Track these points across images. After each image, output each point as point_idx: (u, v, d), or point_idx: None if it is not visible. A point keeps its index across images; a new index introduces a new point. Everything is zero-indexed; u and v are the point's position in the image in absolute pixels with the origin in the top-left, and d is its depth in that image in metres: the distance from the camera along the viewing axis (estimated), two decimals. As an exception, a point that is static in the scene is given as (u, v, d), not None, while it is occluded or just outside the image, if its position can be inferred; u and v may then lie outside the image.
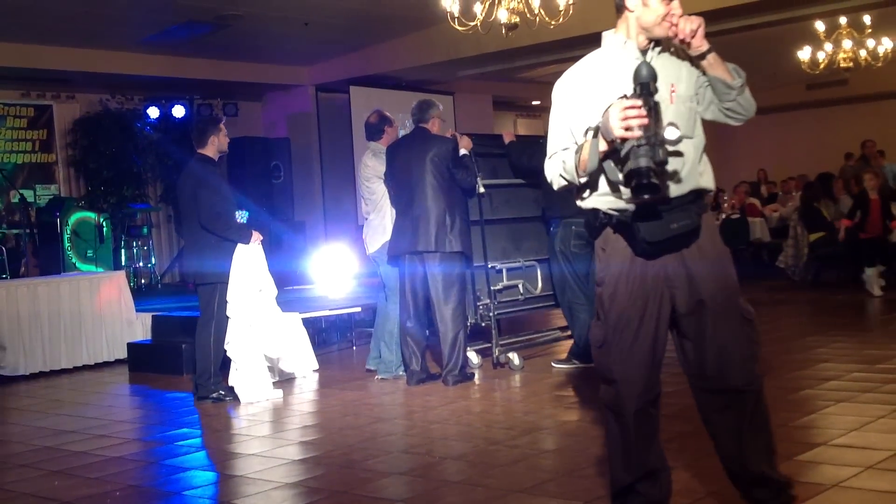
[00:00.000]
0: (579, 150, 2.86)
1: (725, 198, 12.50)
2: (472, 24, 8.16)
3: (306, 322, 7.58)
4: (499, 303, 6.86)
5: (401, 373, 6.61)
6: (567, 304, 6.61)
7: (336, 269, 10.11)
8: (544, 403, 5.60)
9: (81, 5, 9.76)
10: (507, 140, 6.99)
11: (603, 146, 2.76)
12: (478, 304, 6.73)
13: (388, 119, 6.90)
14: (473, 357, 6.83)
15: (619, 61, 2.97)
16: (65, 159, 12.75)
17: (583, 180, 2.89)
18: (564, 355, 6.78)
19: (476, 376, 6.56)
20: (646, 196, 2.67)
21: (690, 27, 2.82)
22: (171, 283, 13.04)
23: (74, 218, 10.76)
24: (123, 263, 12.11)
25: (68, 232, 10.59)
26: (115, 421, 6.03)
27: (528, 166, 6.60)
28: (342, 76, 13.38)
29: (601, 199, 2.94)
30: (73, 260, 10.53)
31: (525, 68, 13.58)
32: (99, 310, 8.43)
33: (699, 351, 2.99)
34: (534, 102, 17.69)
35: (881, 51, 11.96)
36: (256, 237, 6.21)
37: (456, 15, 8.15)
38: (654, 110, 2.69)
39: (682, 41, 2.86)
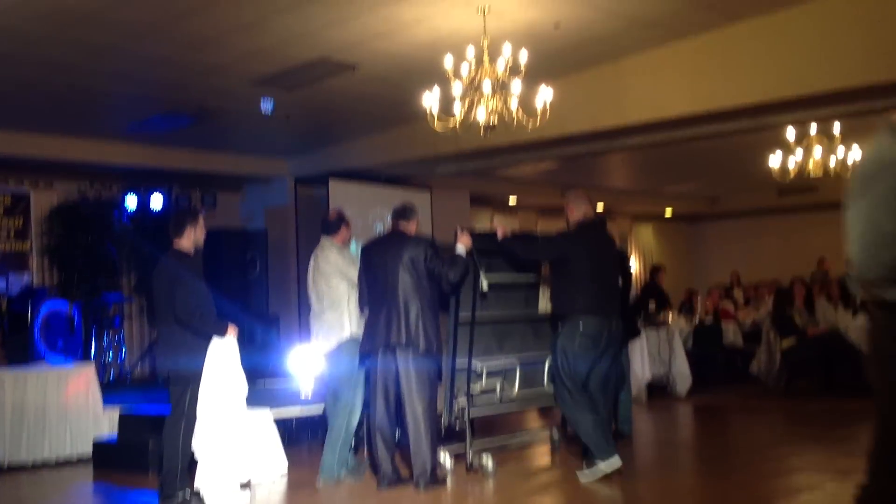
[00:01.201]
0: None
1: (699, 302, 12.56)
2: (452, 123, 8.27)
3: (277, 420, 7.45)
4: (475, 404, 6.78)
5: (342, 476, 6.50)
6: (566, 406, 6.44)
7: (309, 365, 9.98)
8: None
9: (64, 95, 9.83)
10: (501, 235, 6.85)
11: None
12: (453, 403, 6.65)
13: (347, 220, 7.07)
14: (446, 460, 6.72)
15: None
16: (39, 248, 12.65)
17: None
18: (546, 458, 6.69)
19: (448, 480, 6.44)
20: None
21: None
22: (140, 378, 12.84)
23: (46, 308, 10.63)
24: (93, 355, 11.92)
25: (39, 322, 10.45)
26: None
27: (533, 259, 6.73)
28: (321, 169, 13.48)
29: None
30: (43, 350, 10.35)
31: (503, 167, 13.75)
32: (66, 403, 8.24)
33: None
34: (510, 199, 17.86)
35: (850, 160, 12.21)
36: (232, 330, 6.15)
37: (435, 114, 8.26)
38: None
39: None
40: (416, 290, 6.22)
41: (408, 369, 6.17)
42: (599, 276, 6.46)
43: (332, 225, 6.96)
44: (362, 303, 6.54)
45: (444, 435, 6.73)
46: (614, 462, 6.15)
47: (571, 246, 6.49)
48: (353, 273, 6.62)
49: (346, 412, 6.54)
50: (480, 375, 6.77)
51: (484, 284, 6.45)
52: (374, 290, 6.38)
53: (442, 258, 6.33)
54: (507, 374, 6.96)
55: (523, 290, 7.21)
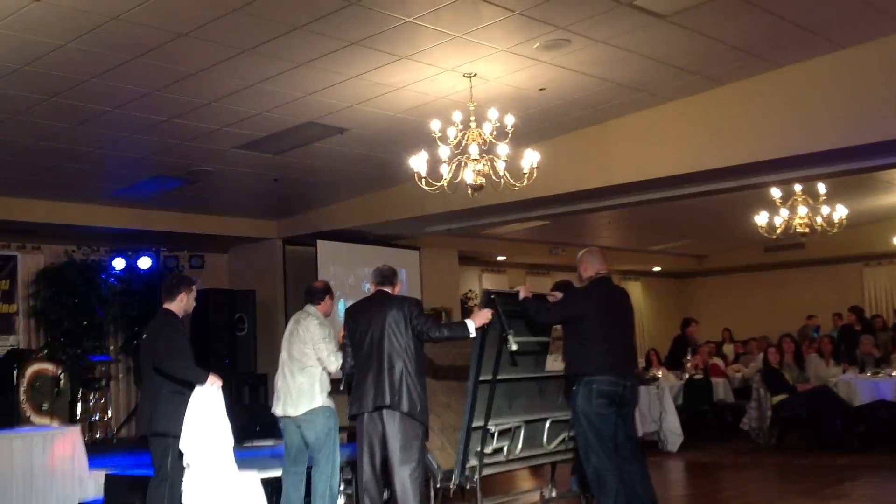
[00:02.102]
0: None
1: (689, 358, 12.57)
2: (439, 184, 8.35)
3: (265, 482, 7.38)
4: (485, 463, 6.73)
5: None
6: (593, 470, 6.29)
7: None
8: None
9: (51, 159, 9.89)
10: (523, 296, 6.73)
11: None
12: (465, 463, 6.56)
13: (332, 292, 7.12)
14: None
15: None
16: (26, 310, 12.63)
17: None
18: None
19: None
20: None
21: None
22: (126, 438, 12.74)
23: (32, 370, 10.55)
24: (79, 416, 11.83)
25: (24, 384, 10.36)
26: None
27: (545, 321, 6.64)
28: (309, 230, 13.54)
29: None
30: (28, 413, 10.26)
31: (490, 225, 13.84)
32: (51, 466, 8.17)
33: None
34: (499, 258, 17.93)
35: (836, 217, 12.35)
36: (214, 379, 6.09)
37: (423, 175, 8.34)
38: None
39: None
40: (401, 351, 6.20)
41: (394, 431, 6.13)
42: (613, 333, 6.40)
43: (318, 295, 7.00)
44: (346, 365, 6.55)
45: (449, 496, 6.68)
46: None
47: (584, 303, 6.43)
48: (324, 349, 6.63)
49: (328, 474, 6.54)
50: (493, 435, 6.72)
51: (512, 345, 6.38)
52: (360, 352, 6.37)
53: (427, 318, 6.32)
54: (513, 433, 6.92)
55: (533, 349, 7.16)
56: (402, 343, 6.21)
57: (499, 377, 6.63)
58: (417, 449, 6.18)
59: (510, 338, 6.36)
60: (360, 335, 6.39)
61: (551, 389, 7.18)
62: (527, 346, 6.86)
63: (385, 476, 6.31)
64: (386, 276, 6.58)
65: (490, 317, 6.30)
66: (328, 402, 6.64)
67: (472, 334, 6.22)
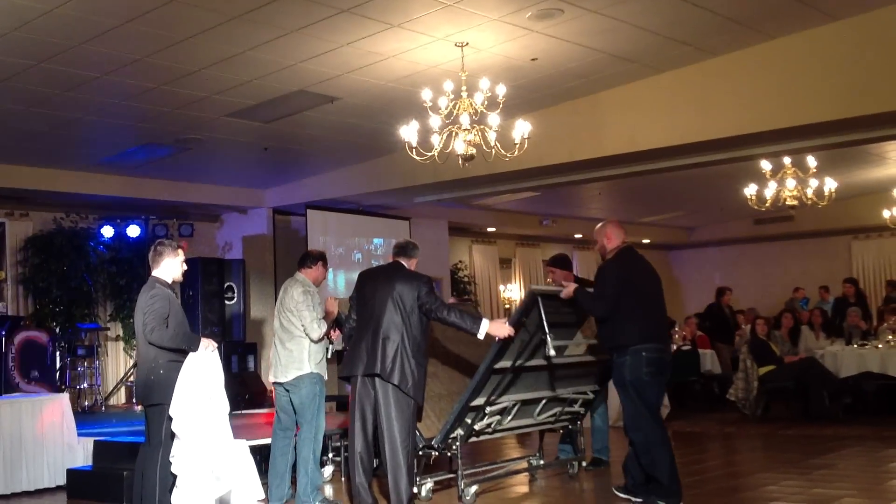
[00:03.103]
0: None
1: (677, 329, 12.63)
2: (430, 154, 8.33)
3: (254, 449, 7.41)
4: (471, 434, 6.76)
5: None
6: (643, 441, 6.18)
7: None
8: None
9: (40, 127, 9.83)
10: (567, 294, 6.58)
11: None
12: (449, 432, 6.58)
13: (326, 261, 7.06)
14: (429, 488, 6.73)
15: None
16: (14, 277, 12.58)
17: None
18: (526, 486, 6.65)
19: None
20: None
21: None
22: (115, 405, 12.76)
23: (21, 337, 10.55)
24: (69, 384, 11.84)
25: (13, 351, 10.36)
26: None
27: (602, 311, 6.38)
28: (299, 199, 13.51)
29: None
30: (17, 380, 10.27)
31: (481, 196, 13.83)
32: (40, 433, 8.18)
33: None
34: (489, 229, 17.93)
35: (825, 190, 12.38)
36: (207, 342, 6.07)
37: (414, 145, 8.32)
38: None
39: None
40: (400, 325, 6.22)
41: (387, 399, 6.17)
42: (650, 301, 6.37)
43: (309, 259, 6.98)
44: (347, 326, 6.60)
45: (430, 462, 6.73)
46: None
47: (624, 276, 6.31)
48: (307, 317, 6.61)
49: (311, 438, 6.59)
50: (486, 415, 6.77)
51: (550, 350, 6.40)
52: (362, 316, 6.41)
53: (438, 297, 6.32)
54: (507, 409, 6.93)
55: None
56: (402, 317, 6.24)
57: (517, 364, 6.63)
58: (410, 418, 6.21)
59: (549, 343, 6.38)
60: (363, 300, 6.44)
61: (561, 373, 7.17)
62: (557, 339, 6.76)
63: (377, 446, 6.35)
64: (403, 248, 6.63)
65: (510, 335, 6.27)
66: (318, 370, 6.65)
67: (480, 337, 6.24)
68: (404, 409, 6.19)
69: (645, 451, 6.16)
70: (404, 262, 6.55)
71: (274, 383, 6.81)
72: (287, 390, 6.68)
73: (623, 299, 6.22)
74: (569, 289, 6.57)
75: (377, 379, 6.18)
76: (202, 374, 6.00)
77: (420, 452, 6.65)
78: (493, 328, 6.24)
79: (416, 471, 6.43)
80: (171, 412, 5.92)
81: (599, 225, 6.68)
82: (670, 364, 6.42)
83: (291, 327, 6.68)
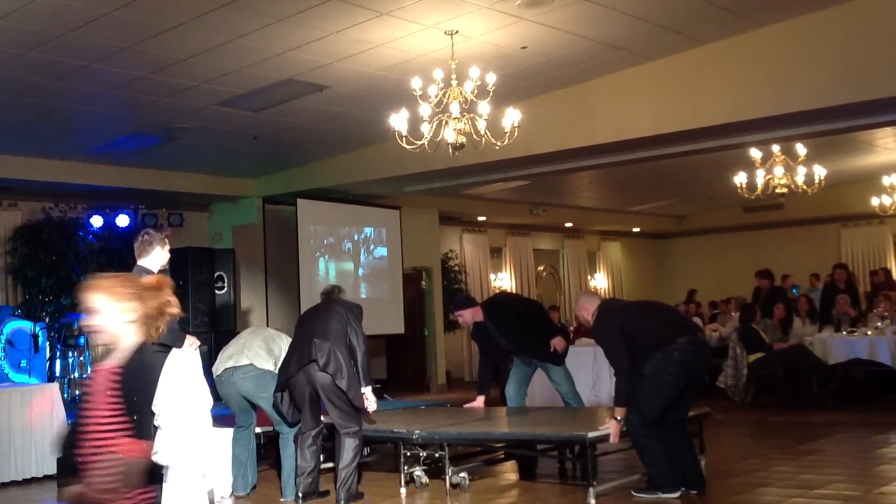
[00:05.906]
0: None
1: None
2: (420, 142, 8.31)
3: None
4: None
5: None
6: (640, 431, 6.07)
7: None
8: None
9: (29, 116, 9.78)
10: (616, 437, 6.26)
11: None
12: None
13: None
14: (422, 476, 6.83)
15: None
16: (3, 267, 12.53)
17: None
18: (513, 476, 6.68)
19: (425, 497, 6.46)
20: None
21: None
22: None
23: (10, 327, 10.52)
24: (58, 374, 11.81)
25: (2, 341, 10.34)
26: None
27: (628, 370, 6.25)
28: (289, 189, 13.48)
29: None
30: (7, 370, 10.25)
31: (471, 185, 13.81)
32: (30, 423, 8.18)
33: None
34: (479, 218, 17.93)
35: (815, 178, 12.41)
36: (191, 340, 6.08)
37: (404, 134, 8.31)
38: None
39: None
40: (336, 331, 6.37)
41: (326, 388, 6.29)
42: (650, 319, 6.40)
43: None
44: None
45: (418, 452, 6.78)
46: (675, 494, 6.06)
47: (614, 329, 6.25)
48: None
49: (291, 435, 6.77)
50: None
51: None
52: (297, 335, 6.62)
53: (361, 331, 6.44)
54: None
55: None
56: (338, 326, 6.40)
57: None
58: (356, 406, 6.32)
59: None
60: (300, 331, 6.64)
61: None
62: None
63: (331, 436, 6.57)
64: (329, 293, 6.86)
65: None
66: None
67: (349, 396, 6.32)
68: (352, 397, 6.30)
69: (637, 441, 6.13)
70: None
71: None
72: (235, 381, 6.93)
73: (630, 343, 6.15)
74: (614, 431, 6.21)
75: (311, 365, 6.31)
76: (185, 370, 6.00)
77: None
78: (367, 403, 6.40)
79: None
80: (154, 408, 5.91)
81: (574, 306, 6.84)
82: (704, 367, 6.49)
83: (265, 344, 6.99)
